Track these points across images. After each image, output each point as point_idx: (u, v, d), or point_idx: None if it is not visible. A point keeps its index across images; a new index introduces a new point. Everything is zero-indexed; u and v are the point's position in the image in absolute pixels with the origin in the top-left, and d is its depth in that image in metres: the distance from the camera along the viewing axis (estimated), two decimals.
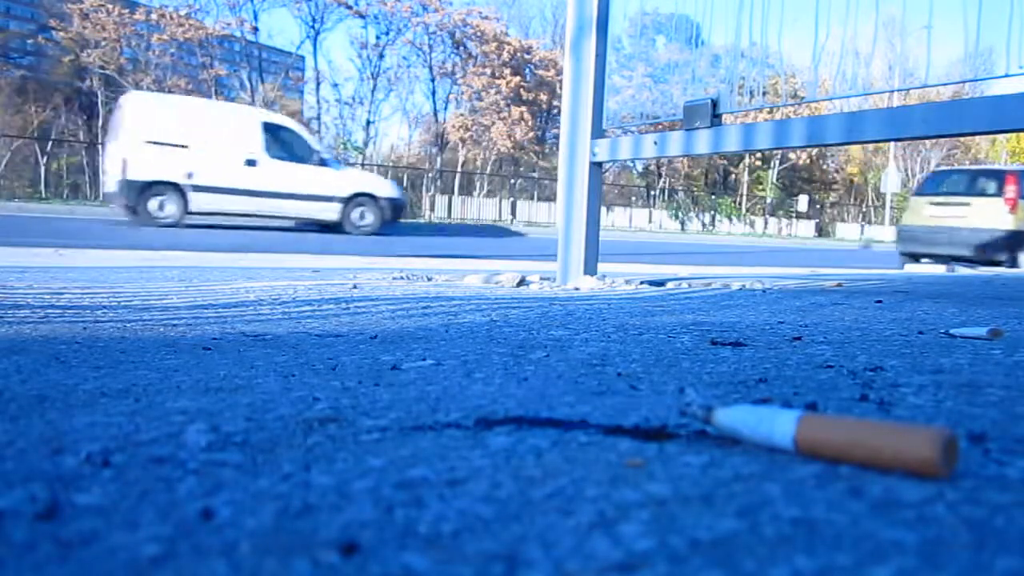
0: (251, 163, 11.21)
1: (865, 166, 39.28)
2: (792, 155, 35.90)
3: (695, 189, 35.26)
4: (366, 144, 33.40)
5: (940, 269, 6.07)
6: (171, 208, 10.65)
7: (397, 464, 0.63)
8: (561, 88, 3.47)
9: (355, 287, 2.45)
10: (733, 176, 38.09)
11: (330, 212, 11.87)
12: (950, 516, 0.52)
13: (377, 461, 0.64)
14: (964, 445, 0.70)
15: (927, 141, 29.78)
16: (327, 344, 1.32)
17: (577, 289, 2.75)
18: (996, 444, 0.71)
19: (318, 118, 32.84)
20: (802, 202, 34.23)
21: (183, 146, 10.67)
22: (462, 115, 32.57)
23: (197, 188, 10.76)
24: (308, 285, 2.46)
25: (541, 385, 0.98)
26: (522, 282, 2.89)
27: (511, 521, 0.50)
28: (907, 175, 34.26)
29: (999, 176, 9.53)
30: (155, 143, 10.58)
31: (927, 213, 9.79)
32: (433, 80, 32.42)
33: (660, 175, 34.66)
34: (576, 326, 1.62)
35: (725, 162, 36.32)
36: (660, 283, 3.12)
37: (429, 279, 2.93)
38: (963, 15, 2.19)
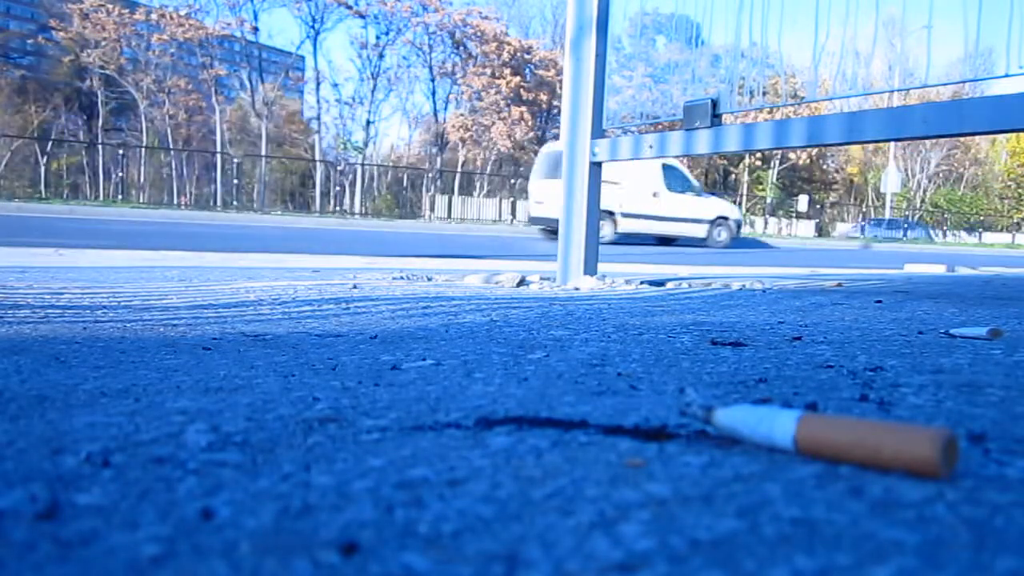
0: (655, 195, 14.71)
1: (865, 166, 39.31)
2: (792, 155, 35.91)
3: None
4: (366, 144, 33.41)
5: (940, 269, 6.06)
6: (607, 229, 13.63)
7: (397, 464, 0.63)
8: (561, 88, 3.47)
9: (355, 287, 2.45)
10: (733, 176, 38.09)
11: (700, 231, 15.22)
12: (950, 516, 0.52)
13: (377, 461, 0.64)
14: (964, 445, 0.70)
15: (927, 141, 29.79)
16: (327, 344, 1.32)
17: (577, 289, 2.75)
18: (996, 444, 0.71)
19: (318, 118, 32.87)
20: (802, 202, 34.24)
21: (616, 183, 13.68)
22: (462, 115, 32.58)
23: (624, 215, 14.25)
24: (308, 285, 2.46)
25: (541, 385, 0.98)
26: (522, 282, 2.89)
27: (511, 521, 0.50)
28: (907, 175, 34.26)
29: None
30: (605, 181, 13.02)
31: None
32: (433, 80, 32.44)
33: None
34: (576, 326, 1.62)
35: (725, 162, 36.33)
36: (660, 283, 3.13)
37: (429, 279, 2.94)
38: (963, 15, 2.19)
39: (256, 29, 30.27)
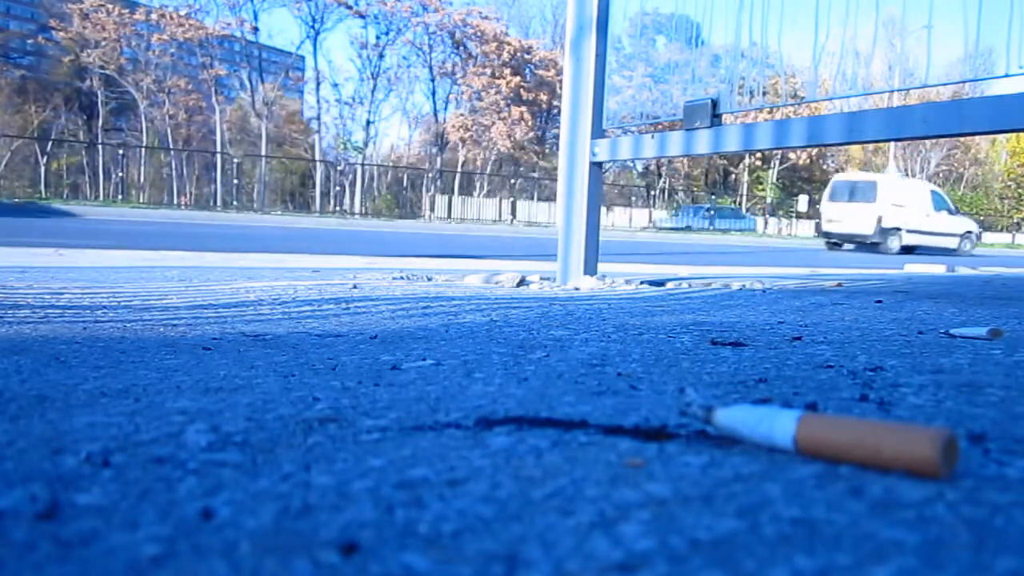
0: (927, 215, 17.88)
1: (865, 166, 39.28)
2: (792, 155, 35.90)
3: (695, 189, 35.27)
4: (366, 144, 33.40)
5: (940, 269, 6.06)
6: (895, 243, 17.09)
7: (397, 464, 0.63)
8: (561, 88, 3.47)
9: (355, 287, 2.45)
10: (733, 176, 38.10)
11: (951, 243, 18.50)
12: (950, 516, 0.52)
13: (377, 461, 0.64)
14: (964, 445, 0.70)
15: (927, 141, 29.76)
16: (327, 344, 1.32)
17: (577, 289, 2.75)
18: (996, 444, 0.71)
19: (318, 118, 32.87)
20: (802, 202, 34.22)
21: (902, 206, 17.18)
22: (462, 115, 32.58)
23: (908, 230, 17.38)
24: (308, 285, 2.46)
25: (541, 385, 0.98)
26: (522, 282, 2.89)
27: (511, 521, 0.50)
28: (907, 175, 34.26)
29: None
30: (895, 205, 17.30)
31: None
32: (433, 80, 32.43)
33: (660, 175, 34.67)
34: (576, 326, 1.62)
35: (725, 162, 36.33)
36: (660, 283, 3.12)
37: (429, 279, 2.94)
38: (963, 15, 2.19)
39: (256, 29, 30.28)
